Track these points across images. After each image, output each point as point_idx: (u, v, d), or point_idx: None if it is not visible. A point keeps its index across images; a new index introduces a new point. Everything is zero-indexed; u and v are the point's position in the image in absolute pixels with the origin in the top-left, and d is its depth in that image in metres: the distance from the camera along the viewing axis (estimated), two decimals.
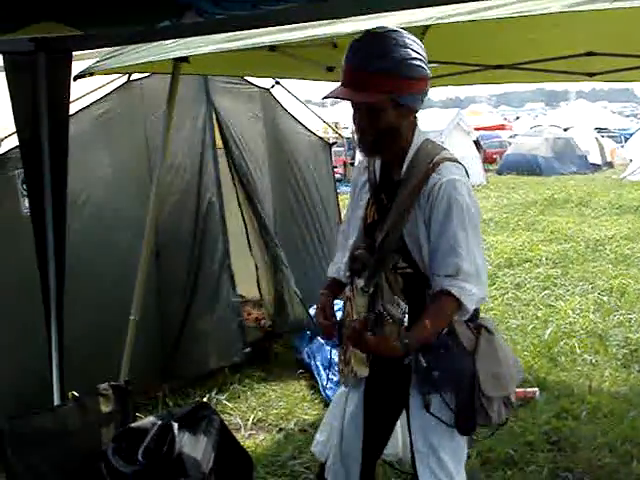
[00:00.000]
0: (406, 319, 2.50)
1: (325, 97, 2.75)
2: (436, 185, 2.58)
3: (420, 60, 2.55)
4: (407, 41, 2.54)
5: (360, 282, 2.67)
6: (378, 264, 2.66)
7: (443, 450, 2.68)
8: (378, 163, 2.81)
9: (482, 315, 2.83)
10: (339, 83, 2.62)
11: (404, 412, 2.83)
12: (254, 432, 4.98)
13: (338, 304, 2.99)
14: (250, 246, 6.39)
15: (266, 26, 2.92)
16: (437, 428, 2.66)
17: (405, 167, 2.67)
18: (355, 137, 2.79)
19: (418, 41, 2.60)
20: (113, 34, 3.02)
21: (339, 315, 2.93)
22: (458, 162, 2.70)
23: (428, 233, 2.60)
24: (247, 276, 6.49)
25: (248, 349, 5.80)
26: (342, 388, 3.03)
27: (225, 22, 2.09)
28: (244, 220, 6.31)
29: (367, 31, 2.59)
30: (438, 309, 2.59)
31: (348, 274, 2.83)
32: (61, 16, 1.88)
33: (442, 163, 2.63)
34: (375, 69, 2.49)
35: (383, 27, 2.59)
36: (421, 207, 2.60)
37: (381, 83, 2.51)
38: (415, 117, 2.71)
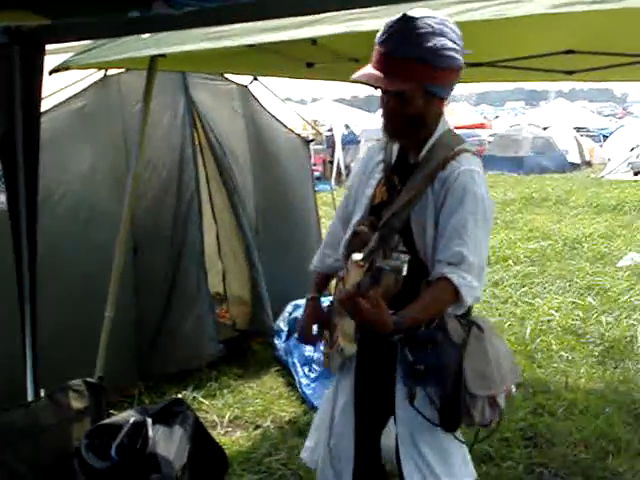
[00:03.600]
0: (405, 269, 2.34)
1: (354, 80, 2.60)
2: (454, 172, 2.55)
3: (455, 51, 2.47)
4: (444, 29, 2.45)
5: (358, 256, 2.60)
6: (380, 241, 2.60)
7: (425, 446, 2.63)
8: (397, 145, 2.77)
9: (476, 314, 2.77)
10: (368, 65, 2.54)
11: None
12: (230, 429, 4.97)
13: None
14: (219, 244, 6.38)
15: (239, 22, 2.89)
16: (419, 423, 2.61)
17: (424, 152, 2.64)
18: (382, 119, 2.65)
19: (456, 28, 2.50)
20: (86, 27, 2.99)
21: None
22: (477, 155, 2.70)
23: (436, 219, 2.57)
24: (218, 274, 6.49)
25: (221, 346, 5.79)
26: (334, 386, 2.94)
27: (199, 16, 2.06)
28: (214, 217, 6.30)
29: (404, 14, 2.46)
30: (435, 295, 2.51)
31: (344, 252, 2.77)
32: (28, 3, 1.86)
33: (462, 153, 2.62)
34: (409, 56, 2.43)
35: (421, 10, 2.47)
36: (435, 192, 2.57)
37: (414, 71, 2.45)
38: (442, 105, 2.67)
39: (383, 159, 2.79)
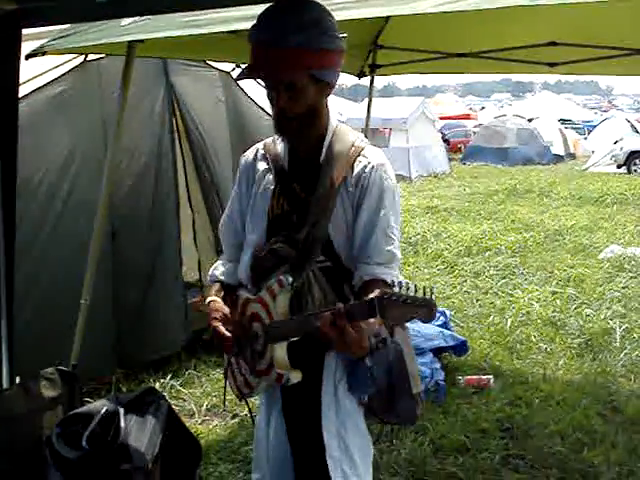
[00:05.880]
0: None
1: (239, 78, 2.53)
2: (366, 169, 2.44)
3: (337, 31, 2.34)
4: (323, 13, 2.33)
5: (286, 278, 2.37)
6: (305, 257, 2.42)
7: (355, 449, 2.51)
8: (284, 150, 2.58)
9: None
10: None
11: None
12: (208, 418, 4.96)
13: None
14: (195, 232, 6.36)
15: (209, 7, 2.84)
16: (351, 429, 2.50)
17: (325, 151, 2.48)
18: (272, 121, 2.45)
19: (329, 11, 2.37)
20: (63, 10, 2.95)
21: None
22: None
23: (355, 219, 2.44)
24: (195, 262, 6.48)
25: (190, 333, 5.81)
26: (262, 412, 2.76)
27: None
28: (191, 206, 6.27)
29: (276, 2, 2.33)
30: None
31: (251, 274, 2.55)
32: None
33: (366, 147, 2.51)
34: (295, 44, 2.25)
35: None
36: (348, 192, 2.44)
37: (301, 58, 2.28)
38: (330, 92, 2.48)
39: (269, 167, 2.59)
